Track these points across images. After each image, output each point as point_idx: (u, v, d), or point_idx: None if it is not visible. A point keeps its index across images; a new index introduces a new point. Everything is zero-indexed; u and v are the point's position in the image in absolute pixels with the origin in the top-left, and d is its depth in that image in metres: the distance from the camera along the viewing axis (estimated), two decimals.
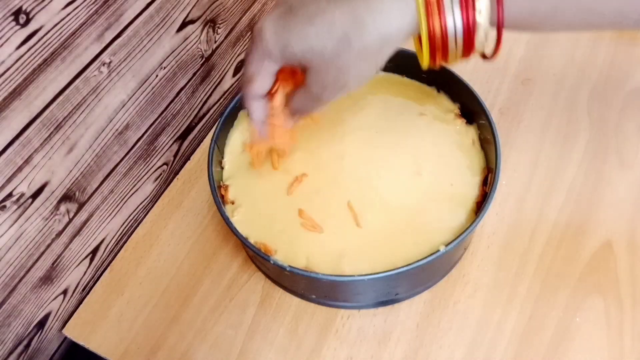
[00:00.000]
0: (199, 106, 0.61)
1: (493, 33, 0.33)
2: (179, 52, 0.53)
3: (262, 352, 0.47)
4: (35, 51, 0.37)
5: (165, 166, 0.59)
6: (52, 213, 0.45)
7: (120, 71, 0.46)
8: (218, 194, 0.45)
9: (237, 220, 0.46)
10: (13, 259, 0.43)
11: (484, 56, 0.35)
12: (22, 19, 0.36)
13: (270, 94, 0.40)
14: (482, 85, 0.61)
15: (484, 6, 0.32)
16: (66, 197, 0.46)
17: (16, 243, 0.43)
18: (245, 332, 0.48)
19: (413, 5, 0.32)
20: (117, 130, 0.49)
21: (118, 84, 0.47)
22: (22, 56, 0.37)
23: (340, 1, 0.33)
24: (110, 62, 0.45)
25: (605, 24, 0.34)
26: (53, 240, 0.46)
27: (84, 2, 0.40)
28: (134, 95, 0.49)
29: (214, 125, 0.65)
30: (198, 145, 0.62)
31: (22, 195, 0.41)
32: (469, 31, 0.32)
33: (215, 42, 0.59)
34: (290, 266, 0.40)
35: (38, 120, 0.40)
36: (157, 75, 0.51)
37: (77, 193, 0.47)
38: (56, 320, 0.51)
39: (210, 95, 0.62)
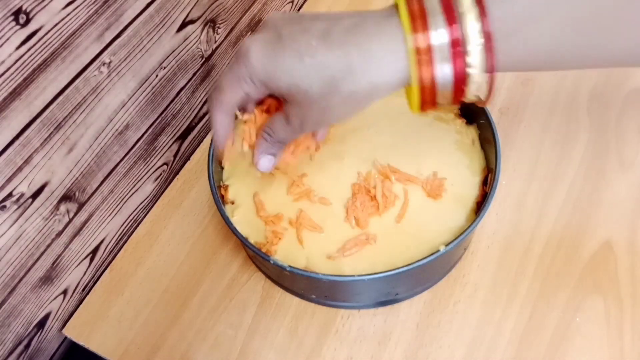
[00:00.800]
0: (199, 106, 0.61)
1: (485, 77, 0.31)
2: (179, 52, 0.53)
3: (262, 352, 0.47)
4: (35, 51, 0.37)
5: (165, 166, 0.59)
6: (52, 213, 0.45)
7: (120, 71, 0.46)
8: (218, 194, 0.45)
9: (237, 220, 0.46)
10: (13, 259, 0.43)
11: (476, 101, 0.34)
12: (22, 19, 0.36)
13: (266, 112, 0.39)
14: None
15: (475, 57, 0.30)
16: (66, 197, 0.46)
17: (16, 243, 0.43)
18: (245, 332, 0.48)
19: (404, 55, 0.31)
20: (117, 130, 0.49)
21: (118, 84, 0.47)
22: (22, 56, 0.37)
23: (331, 42, 0.32)
24: (110, 62, 0.45)
25: (615, 64, 0.33)
26: (53, 240, 0.46)
27: (84, 2, 0.40)
28: (134, 95, 0.49)
29: None
30: (198, 145, 0.62)
31: (22, 195, 0.41)
32: (460, 81, 0.31)
33: (215, 42, 0.59)
34: (290, 266, 0.40)
35: (38, 120, 0.40)
36: (157, 75, 0.51)
37: (77, 193, 0.47)
38: (56, 320, 0.51)
39: None
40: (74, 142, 0.45)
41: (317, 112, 0.34)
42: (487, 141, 0.47)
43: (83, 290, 0.53)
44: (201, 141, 0.62)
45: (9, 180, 0.40)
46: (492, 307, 0.47)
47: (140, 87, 0.50)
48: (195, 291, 0.50)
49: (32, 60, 0.38)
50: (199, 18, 0.54)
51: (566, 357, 0.44)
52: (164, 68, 0.52)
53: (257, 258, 0.47)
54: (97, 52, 0.43)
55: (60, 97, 0.41)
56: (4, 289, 0.43)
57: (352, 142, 0.50)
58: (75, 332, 0.50)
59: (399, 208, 0.46)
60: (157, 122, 0.54)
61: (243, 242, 0.42)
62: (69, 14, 0.39)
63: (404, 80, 0.32)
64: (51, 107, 0.41)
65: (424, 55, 0.30)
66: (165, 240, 0.54)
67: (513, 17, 0.30)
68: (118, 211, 0.54)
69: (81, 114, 0.44)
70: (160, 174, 0.58)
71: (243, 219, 0.46)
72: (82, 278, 0.52)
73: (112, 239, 0.54)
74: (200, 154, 0.61)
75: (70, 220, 0.48)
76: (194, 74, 0.57)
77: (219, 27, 0.58)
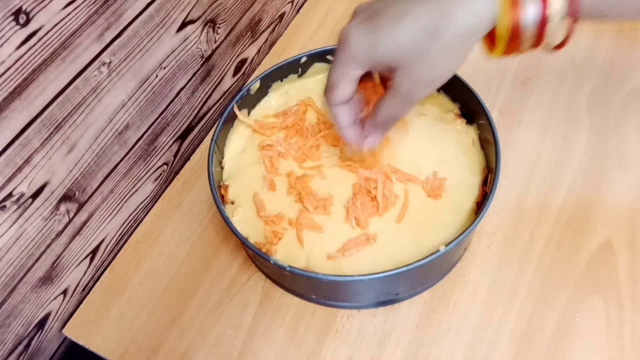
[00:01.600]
0: (199, 106, 0.61)
1: (562, 24, 0.34)
2: (179, 52, 0.53)
3: (262, 352, 0.47)
4: (35, 51, 0.37)
5: (165, 166, 0.59)
6: (52, 213, 0.45)
7: (120, 71, 0.46)
8: (218, 194, 0.45)
9: (237, 220, 0.46)
10: (13, 259, 0.43)
11: (550, 47, 0.36)
12: (22, 19, 0.36)
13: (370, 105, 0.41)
14: (482, 85, 0.61)
15: (559, 1, 0.33)
16: (66, 197, 0.46)
17: (16, 243, 0.43)
18: (245, 332, 0.48)
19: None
20: (117, 130, 0.49)
21: (118, 84, 0.47)
22: (22, 56, 0.37)
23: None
24: (110, 62, 0.45)
25: None
26: (53, 240, 0.46)
27: (84, 2, 0.40)
28: (134, 95, 0.49)
29: (214, 125, 0.65)
30: (198, 145, 0.62)
31: (22, 195, 0.41)
32: (543, 23, 0.33)
33: (215, 42, 0.59)
34: (290, 266, 0.40)
35: (38, 120, 0.40)
36: (157, 75, 0.51)
37: (77, 193, 0.47)
38: (56, 321, 0.51)
39: (210, 95, 0.62)
40: (74, 142, 0.45)
41: (426, 67, 0.35)
42: (487, 141, 0.47)
43: (83, 290, 0.53)
44: (201, 141, 0.62)
45: (9, 180, 0.40)
46: (492, 307, 0.47)
47: (140, 87, 0.50)
48: (195, 291, 0.50)
49: (32, 60, 0.38)
50: (199, 18, 0.54)
51: (566, 357, 0.44)
52: (164, 68, 0.52)
53: (257, 258, 0.47)
54: (97, 52, 0.43)
55: (60, 97, 0.41)
56: (4, 289, 0.43)
57: None
58: (75, 332, 0.50)
59: (399, 208, 0.46)
60: (157, 122, 0.54)
61: (243, 242, 0.42)
62: (69, 14, 0.39)
63: (493, 23, 0.34)
64: (51, 107, 0.41)
65: None
66: (165, 240, 0.54)
67: None
68: (118, 211, 0.54)
69: (81, 114, 0.44)
70: (160, 174, 0.58)
71: (243, 219, 0.46)
72: (82, 278, 0.52)
73: (112, 239, 0.54)
74: (200, 154, 0.61)
75: (70, 220, 0.48)
76: (194, 74, 0.57)
77: (219, 27, 0.58)
